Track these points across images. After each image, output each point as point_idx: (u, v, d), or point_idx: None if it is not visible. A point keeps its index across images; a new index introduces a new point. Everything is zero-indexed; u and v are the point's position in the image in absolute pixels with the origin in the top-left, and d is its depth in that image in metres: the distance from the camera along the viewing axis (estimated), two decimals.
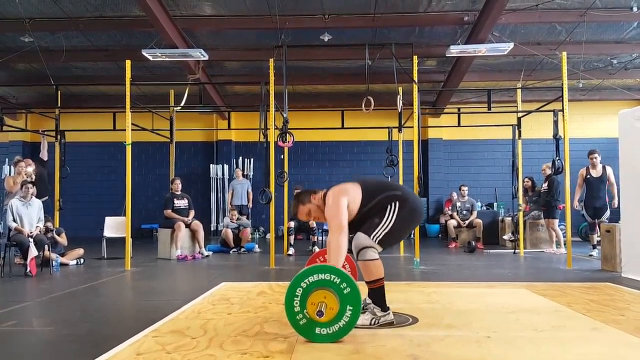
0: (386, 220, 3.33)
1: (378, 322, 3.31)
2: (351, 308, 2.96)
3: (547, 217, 9.20)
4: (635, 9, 8.71)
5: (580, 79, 11.36)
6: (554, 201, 8.96)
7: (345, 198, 3.33)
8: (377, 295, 3.34)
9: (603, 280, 5.51)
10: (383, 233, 3.30)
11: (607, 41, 10.25)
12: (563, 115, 7.17)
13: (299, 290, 2.98)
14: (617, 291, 4.81)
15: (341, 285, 2.97)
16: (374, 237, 3.29)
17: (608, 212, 8.08)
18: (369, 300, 3.37)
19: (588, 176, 8.09)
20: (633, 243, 5.81)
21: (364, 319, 3.28)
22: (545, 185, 9.21)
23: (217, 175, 13.88)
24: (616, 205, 7.91)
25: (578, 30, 9.48)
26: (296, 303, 2.97)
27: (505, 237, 10.09)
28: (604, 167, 8.08)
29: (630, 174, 5.93)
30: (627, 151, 6.06)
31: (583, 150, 12.56)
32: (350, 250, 3.59)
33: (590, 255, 7.94)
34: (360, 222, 3.38)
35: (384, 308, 3.34)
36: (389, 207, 3.36)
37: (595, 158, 8.07)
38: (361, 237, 3.31)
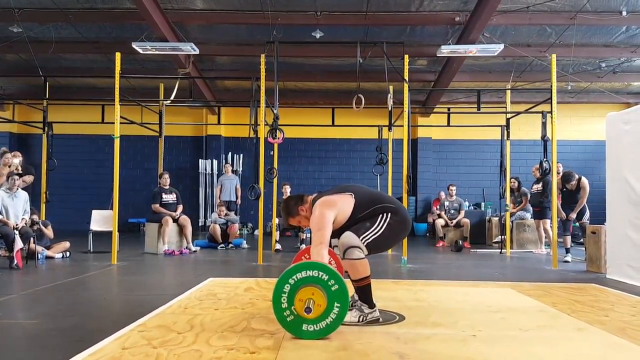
0: (377, 226, 3.35)
1: (365, 319, 3.32)
2: (339, 305, 2.97)
3: (539, 217, 9.14)
4: (624, 13, 8.79)
5: (569, 81, 11.47)
6: (548, 202, 8.90)
7: (332, 211, 3.32)
8: (364, 292, 3.35)
9: (588, 281, 5.56)
10: (372, 237, 3.31)
11: (596, 44, 10.33)
12: (551, 117, 7.22)
13: (287, 287, 2.97)
14: (602, 292, 4.86)
15: (329, 282, 2.97)
16: (362, 238, 3.29)
17: (588, 213, 8.05)
18: (356, 297, 3.39)
19: (564, 189, 8.10)
20: (618, 245, 5.87)
21: (351, 315, 3.29)
22: (539, 186, 9.18)
23: (205, 170, 13.84)
24: (573, 217, 7.99)
25: (568, 33, 9.56)
26: (284, 299, 2.97)
27: (492, 241, 10.18)
28: (578, 180, 7.95)
29: (617, 177, 5.98)
30: (614, 154, 6.12)
31: (571, 153, 12.80)
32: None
33: (565, 261, 7.51)
34: (350, 226, 3.39)
35: (371, 305, 3.35)
36: (381, 215, 3.39)
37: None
38: (349, 237, 3.30)
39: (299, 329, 2.97)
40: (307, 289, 2.95)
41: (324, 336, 2.97)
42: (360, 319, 3.31)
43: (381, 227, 3.35)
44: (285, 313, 2.97)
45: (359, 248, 3.28)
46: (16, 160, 7.94)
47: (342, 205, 3.40)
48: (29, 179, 8.23)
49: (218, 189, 11.92)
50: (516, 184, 9.93)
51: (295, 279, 2.98)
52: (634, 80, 12.32)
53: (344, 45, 10.07)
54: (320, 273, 2.98)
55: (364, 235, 3.30)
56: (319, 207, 3.35)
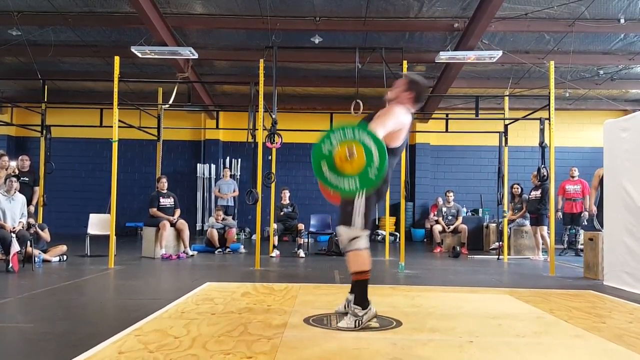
0: (357, 205, 3.34)
1: (362, 323, 3.30)
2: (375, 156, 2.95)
3: (536, 224, 9.14)
4: (622, 20, 8.84)
5: (567, 88, 11.51)
6: (545, 209, 8.90)
7: (401, 121, 3.45)
8: (360, 288, 3.36)
9: (585, 288, 5.56)
10: (360, 216, 3.32)
11: (594, 52, 10.38)
12: (549, 124, 7.23)
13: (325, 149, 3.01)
14: (599, 299, 4.86)
15: (365, 141, 2.96)
16: (354, 223, 3.31)
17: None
18: (350, 297, 3.41)
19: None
20: (615, 252, 5.88)
21: (347, 323, 3.29)
22: (537, 193, 9.18)
23: (203, 174, 13.84)
24: None
25: (566, 40, 9.60)
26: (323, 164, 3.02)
27: (490, 247, 10.18)
28: None
29: (614, 184, 6.00)
30: (612, 161, 6.13)
31: (568, 159, 12.81)
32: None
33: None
34: (341, 213, 3.41)
35: (365, 305, 3.34)
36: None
37: None
38: (345, 230, 3.35)
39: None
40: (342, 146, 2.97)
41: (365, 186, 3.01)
42: (357, 324, 3.29)
43: (361, 204, 3.34)
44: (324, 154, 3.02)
45: (357, 237, 3.31)
46: (13, 163, 7.93)
47: (404, 130, 3.53)
48: (36, 195, 8.13)
49: (216, 190, 12.01)
50: (519, 189, 9.92)
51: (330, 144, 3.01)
52: (631, 88, 12.37)
53: (343, 50, 10.10)
54: (357, 133, 2.98)
55: (353, 221, 3.32)
56: (400, 109, 3.50)
